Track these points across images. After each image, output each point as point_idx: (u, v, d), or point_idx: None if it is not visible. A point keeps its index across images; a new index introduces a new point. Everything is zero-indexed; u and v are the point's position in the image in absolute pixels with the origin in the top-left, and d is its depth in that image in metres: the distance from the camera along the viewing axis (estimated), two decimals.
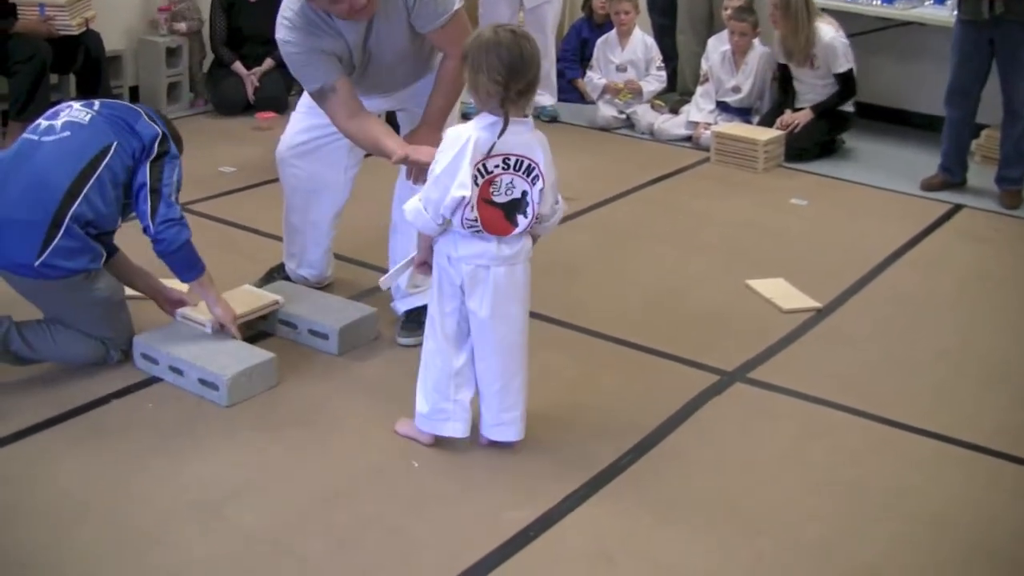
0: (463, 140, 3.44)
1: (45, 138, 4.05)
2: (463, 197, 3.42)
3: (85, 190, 3.96)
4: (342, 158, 4.58)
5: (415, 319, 4.50)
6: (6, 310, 4.17)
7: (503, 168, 3.47)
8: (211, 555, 3.27)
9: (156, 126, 4.15)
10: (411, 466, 3.72)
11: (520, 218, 3.53)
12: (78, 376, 4.18)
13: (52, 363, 4.21)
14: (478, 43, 3.43)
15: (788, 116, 7.19)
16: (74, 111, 4.14)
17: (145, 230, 4.09)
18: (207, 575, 3.19)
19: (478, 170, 3.43)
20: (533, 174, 3.51)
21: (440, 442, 3.81)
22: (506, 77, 3.38)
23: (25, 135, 4.13)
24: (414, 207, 3.54)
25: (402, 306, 4.62)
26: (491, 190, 3.47)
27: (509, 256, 3.58)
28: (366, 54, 4.23)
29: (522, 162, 3.49)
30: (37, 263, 3.90)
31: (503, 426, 3.76)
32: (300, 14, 4.08)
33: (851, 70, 7.05)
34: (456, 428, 3.76)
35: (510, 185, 3.49)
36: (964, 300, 5.22)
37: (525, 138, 3.51)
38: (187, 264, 4.16)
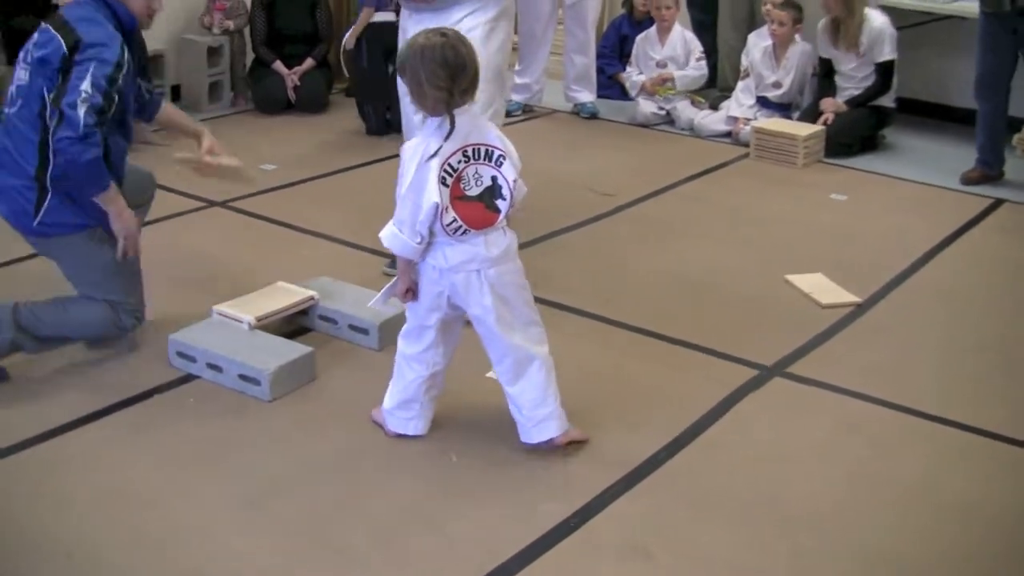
0: (419, 152, 3.46)
1: (8, 110, 4.09)
2: (436, 204, 3.43)
3: (49, 151, 3.97)
4: None
5: None
6: (43, 291, 4.24)
7: (465, 160, 3.49)
8: (252, 547, 3.30)
9: (61, 38, 3.96)
10: (449, 460, 3.74)
11: (500, 203, 3.55)
12: (120, 371, 4.24)
13: (77, 345, 4.28)
14: (413, 54, 3.45)
15: (823, 103, 7.19)
16: (20, 71, 4.10)
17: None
18: (248, 567, 3.22)
19: (445, 171, 3.45)
20: (496, 157, 3.53)
21: (478, 437, 3.84)
22: (448, 82, 3.41)
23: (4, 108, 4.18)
24: (389, 232, 3.54)
25: None
26: (461, 186, 3.49)
27: (498, 256, 3.58)
28: None
29: (479, 149, 3.51)
30: (35, 223, 4.05)
31: (540, 424, 3.73)
32: None
33: (892, 62, 7.03)
34: (417, 427, 3.83)
35: (476, 175, 3.51)
36: (1003, 295, 5.19)
37: (473, 125, 3.53)
38: (88, 180, 4.00)
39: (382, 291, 3.77)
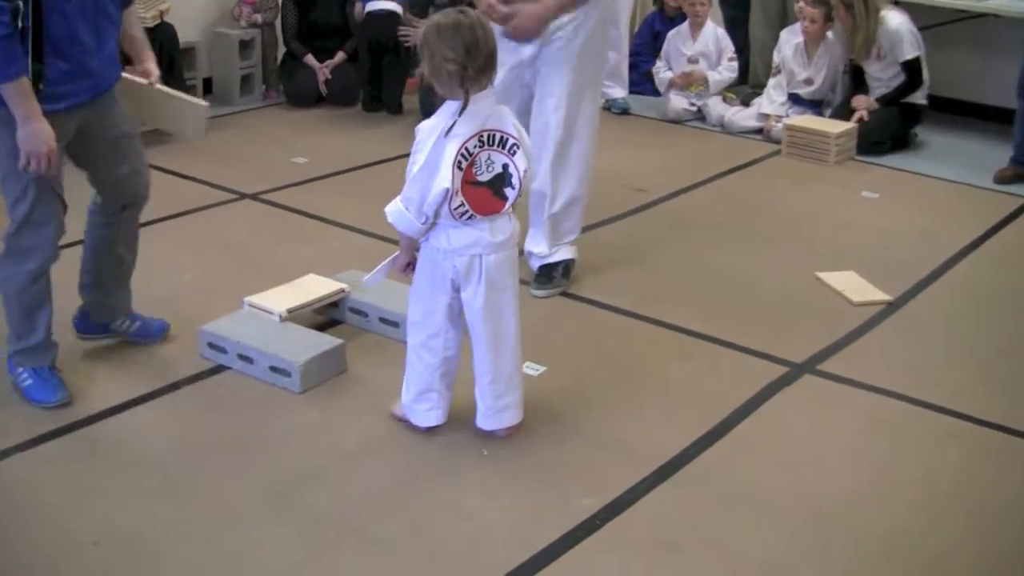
0: (436, 133, 3.46)
1: None
2: (446, 189, 3.44)
3: None
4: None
5: (547, 273, 4.88)
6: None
7: (480, 146, 3.50)
8: (283, 537, 3.31)
9: None
10: (481, 454, 3.74)
11: (508, 191, 3.56)
12: (150, 362, 4.26)
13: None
14: (429, 31, 3.46)
15: (856, 100, 7.16)
16: None
17: None
18: (279, 557, 3.23)
19: (461, 155, 3.46)
20: (509, 144, 3.54)
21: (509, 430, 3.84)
22: (463, 57, 3.41)
23: None
24: (395, 208, 3.54)
25: (537, 262, 4.91)
26: (474, 171, 3.49)
27: (502, 242, 3.60)
28: None
29: (494, 136, 3.52)
30: None
31: (500, 413, 3.77)
32: None
33: (918, 58, 6.99)
34: (439, 416, 3.81)
35: (489, 161, 3.51)
36: None
37: (492, 110, 3.53)
38: None
39: (378, 267, 3.77)
